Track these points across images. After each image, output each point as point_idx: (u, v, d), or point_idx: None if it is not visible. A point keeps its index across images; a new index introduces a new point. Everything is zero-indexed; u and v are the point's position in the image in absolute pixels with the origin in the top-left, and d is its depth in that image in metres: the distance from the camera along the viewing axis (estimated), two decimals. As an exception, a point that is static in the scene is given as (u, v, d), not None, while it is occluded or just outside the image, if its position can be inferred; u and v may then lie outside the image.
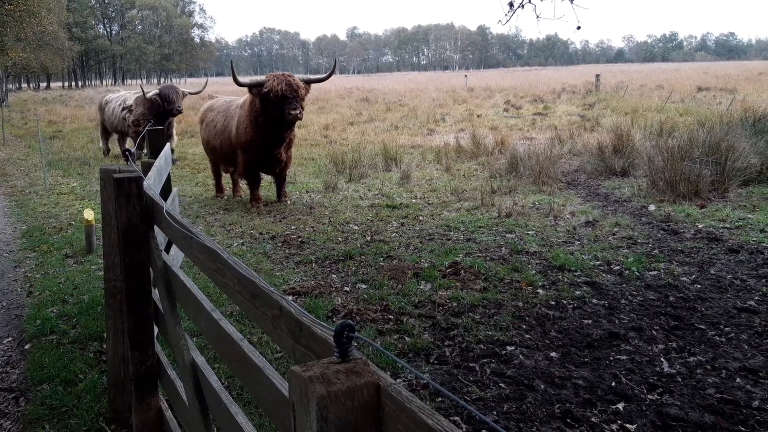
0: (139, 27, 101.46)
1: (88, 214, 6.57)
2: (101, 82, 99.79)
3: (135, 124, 13.00)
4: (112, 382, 3.35)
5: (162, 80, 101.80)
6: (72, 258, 6.53)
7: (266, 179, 9.54)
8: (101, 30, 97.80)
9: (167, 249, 3.58)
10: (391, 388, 1.14)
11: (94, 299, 5.16)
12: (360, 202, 8.89)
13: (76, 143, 16.44)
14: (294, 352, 1.56)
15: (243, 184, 9.65)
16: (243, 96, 8.92)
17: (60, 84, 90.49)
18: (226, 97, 9.88)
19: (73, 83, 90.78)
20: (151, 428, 3.10)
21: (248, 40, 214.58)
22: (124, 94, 14.22)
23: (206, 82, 14.81)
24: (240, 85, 8.09)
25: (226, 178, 9.98)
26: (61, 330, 4.59)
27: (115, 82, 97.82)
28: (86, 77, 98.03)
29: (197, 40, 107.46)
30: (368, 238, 6.96)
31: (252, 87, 7.85)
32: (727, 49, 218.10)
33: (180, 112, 12.92)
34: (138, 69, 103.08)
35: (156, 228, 3.07)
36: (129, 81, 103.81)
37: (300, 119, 7.91)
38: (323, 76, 8.58)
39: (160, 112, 12.70)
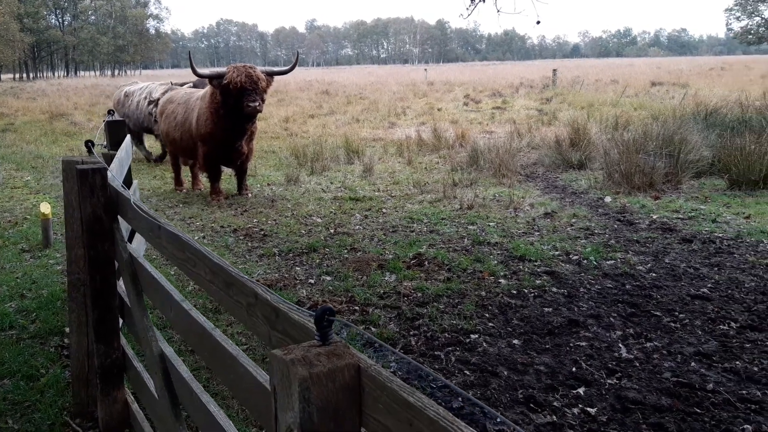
0: (93, 17, 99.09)
1: (45, 208, 6.43)
2: (53, 74, 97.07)
3: None
4: (76, 376, 3.30)
5: (116, 72, 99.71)
6: (29, 252, 6.39)
7: (226, 172, 9.45)
8: (53, 21, 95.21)
9: (128, 240, 3.54)
10: (371, 369, 1.18)
11: (54, 294, 5.07)
12: (323, 194, 8.88)
13: (28, 136, 16.01)
14: (270, 339, 1.57)
15: (203, 177, 9.55)
16: (204, 88, 8.81)
17: (11, 76, 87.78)
18: (186, 88, 9.75)
19: (25, 75, 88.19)
20: (117, 421, 3.08)
21: (205, 31, 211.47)
22: (148, 86, 12.30)
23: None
24: (200, 76, 8.00)
25: (185, 171, 9.86)
26: (20, 325, 4.50)
27: (67, 74, 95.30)
28: (38, 69, 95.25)
29: (152, 31, 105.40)
30: (332, 231, 6.97)
31: (213, 78, 7.77)
32: (679, 44, 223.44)
33: None
34: (91, 60, 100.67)
35: (119, 219, 3.05)
36: (82, 73, 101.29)
37: (259, 111, 7.85)
38: (286, 68, 8.53)
39: None
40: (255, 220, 7.51)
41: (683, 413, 3.22)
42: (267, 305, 1.57)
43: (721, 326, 4.30)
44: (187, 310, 2.15)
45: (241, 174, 8.91)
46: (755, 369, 3.67)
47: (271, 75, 8.04)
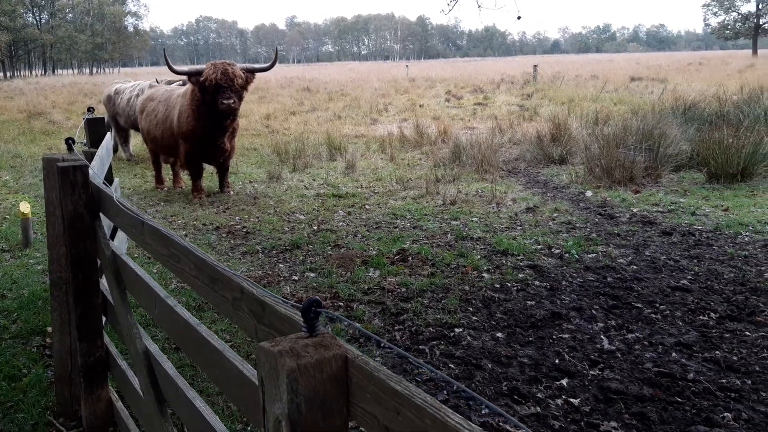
0: (70, 15, 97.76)
1: (24, 207, 6.36)
2: (31, 73, 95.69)
3: None
4: (59, 376, 3.28)
5: (95, 70, 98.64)
6: (8, 252, 6.32)
7: (207, 170, 9.40)
8: (30, 19, 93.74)
9: (110, 238, 3.52)
10: (358, 359, 1.19)
11: (35, 293, 5.02)
12: (305, 191, 8.87)
13: (6, 135, 15.80)
14: (257, 333, 1.58)
15: (184, 175, 9.50)
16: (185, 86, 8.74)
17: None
18: (166, 86, 9.68)
19: (2, 74, 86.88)
20: (101, 420, 3.07)
21: (184, 28, 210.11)
22: (140, 83, 11.86)
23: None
24: (177, 73, 7.95)
25: (166, 170, 9.79)
26: (1, 325, 4.45)
27: (45, 73, 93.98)
28: (15, 68, 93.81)
29: (131, 28, 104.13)
30: (315, 228, 6.97)
31: (191, 75, 7.73)
32: (657, 40, 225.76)
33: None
34: (69, 59, 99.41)
35: (101, 216, 3.03)
36: (60, 71, 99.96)
37: (234, 109, 7.77)
38: (266, 65, 8.49)
39: None
40: (237, 218, 7.49)
41: (664, 402, 3.27)
42: (253, 299, 1.57)
43: (701, 317, 4.36)
44: (171, 306, 2.14)
45: (222, 171, 8.87)
46: (734, 358, 3.73)
47: (251, 72, 8.01)
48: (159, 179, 9.56)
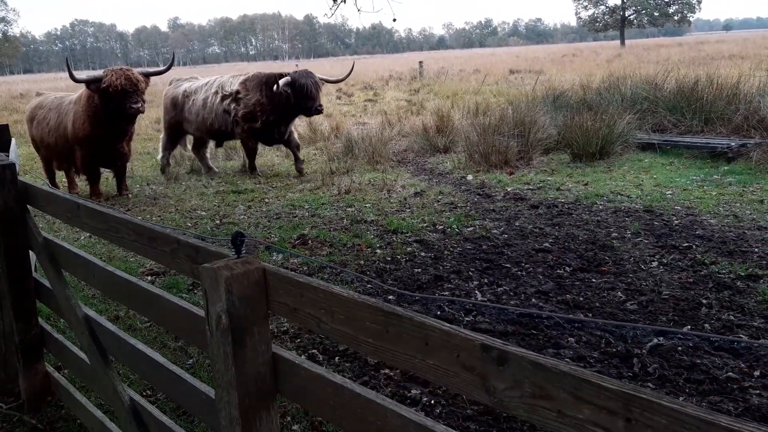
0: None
1: None
2: None
3: (247, 118, 9.51)
4: (-5, 358, 3.59)
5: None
6: None
7: (103, 175, 9.50)
8: None
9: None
10: (273, 269, 1.74)
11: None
12: (204, 190, 9.19)
13: None
14: (193, 272, 2.08)
15: (78, 181, 9.59)
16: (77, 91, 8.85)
17: None
18: (55, 93, 9.70)
19: None
20: (39, 390, 3.43)
21: (58, 33, 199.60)
22: (216, 79, 10.14)
23: (353, 65, 11.13)
24: (77, 81, 8.08)
25: (59, 177, 9.82)
26: None
27: None
28: None
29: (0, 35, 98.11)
30: (217, 222, 7.36)
31: (90, 83, 7.90)
32: (536, 33, 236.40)
33: (321, 111, 9.50)
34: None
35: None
36: None
37: (142, 112, 8.07)
38: (162, 68, 8.77)
39: (287, 106, 9.34)
40: (139, 218, 7.72)
41: (523, 335, 3.99)
42: (189, 246, 2.08)
43: (558, 271, 5.17)
44: (111, 271, 2.58)
45: (120, 175, 9.04)
46: (581, 299, 4.54)
47: (148, 76, 8.27)
48: (53, 186, 9.57)
